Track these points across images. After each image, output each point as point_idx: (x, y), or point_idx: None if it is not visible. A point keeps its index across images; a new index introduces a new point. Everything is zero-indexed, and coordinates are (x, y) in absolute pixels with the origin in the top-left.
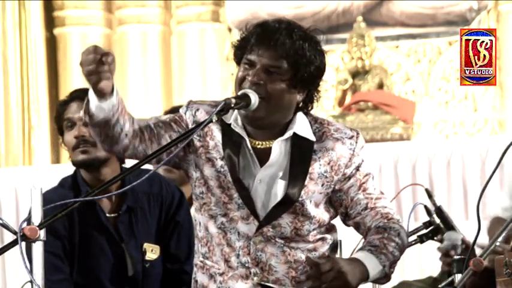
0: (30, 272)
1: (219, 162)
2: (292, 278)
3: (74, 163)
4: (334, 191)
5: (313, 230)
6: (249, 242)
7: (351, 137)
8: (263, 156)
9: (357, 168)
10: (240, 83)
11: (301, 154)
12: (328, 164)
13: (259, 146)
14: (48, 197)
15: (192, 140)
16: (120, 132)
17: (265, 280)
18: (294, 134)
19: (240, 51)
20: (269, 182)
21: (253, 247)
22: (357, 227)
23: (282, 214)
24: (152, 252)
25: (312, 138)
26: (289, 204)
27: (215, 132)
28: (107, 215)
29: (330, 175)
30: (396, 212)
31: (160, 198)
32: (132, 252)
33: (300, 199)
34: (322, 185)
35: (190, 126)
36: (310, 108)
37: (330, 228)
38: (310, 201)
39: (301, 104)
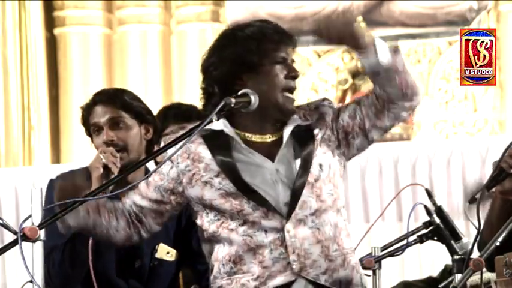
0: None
1: (216, 180)
2: (326, 257)
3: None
4: (340, 135)
5: (330, 190)
6: (279, 233)
7: (324, 100)
8: (266, 147)
9: (332, 106)
10: (286, 79)
11: (302, 130)
12: (327, 127)
13: (258, 140)
14: (64, 176)
15: (181, 182)
16: (106, 231)
17: (303, 265)
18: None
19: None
20: (286, 167)
21: (287, 234)
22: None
23: (303, 186)
24: (168, 255)
25: (308, 121)
26: (305, 172)
27: (202, 153)
28: None
29: (331, 135)
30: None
31: None
32: (142, 246)
33: (313, 165)
34: (327, 146)
35: (176, 163)
36: None
37: (339, 208)
38: (320, 165)
39: None
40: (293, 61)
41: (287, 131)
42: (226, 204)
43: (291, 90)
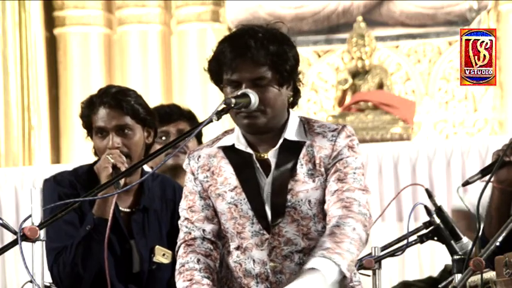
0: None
1: (229, 194)
2: None
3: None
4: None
5: (323, 228)
6: (265, 267)
7: (334, 130)
8: (267, 167)
9: (341, 159)
10: None
11: (287, 159)
12: (310, 161)
13: (264, 157)
14: (59, 178)
15: (204, 188)
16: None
17: None
18: (284, 139)
19: (216, 70)
20: (272, 193)
21: (271, 271)
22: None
23: (280, 223)
24: (164, 256)
25: (304, 139)
26: (280, 211)
27: (224, 168)
28: (121, 208)
29: (316, 169)
30: (369, 207)
31: (173, 203)
32: (141, 251)
33: (289, 203)
34: (313, 181)
35: (196, 174)
36: (298, 98)
37: None
38: (309, 202)
39: (291, 98)
40: (256, 79)
41: (271, 153)
42: (229, 222)
43: (240, 95)
